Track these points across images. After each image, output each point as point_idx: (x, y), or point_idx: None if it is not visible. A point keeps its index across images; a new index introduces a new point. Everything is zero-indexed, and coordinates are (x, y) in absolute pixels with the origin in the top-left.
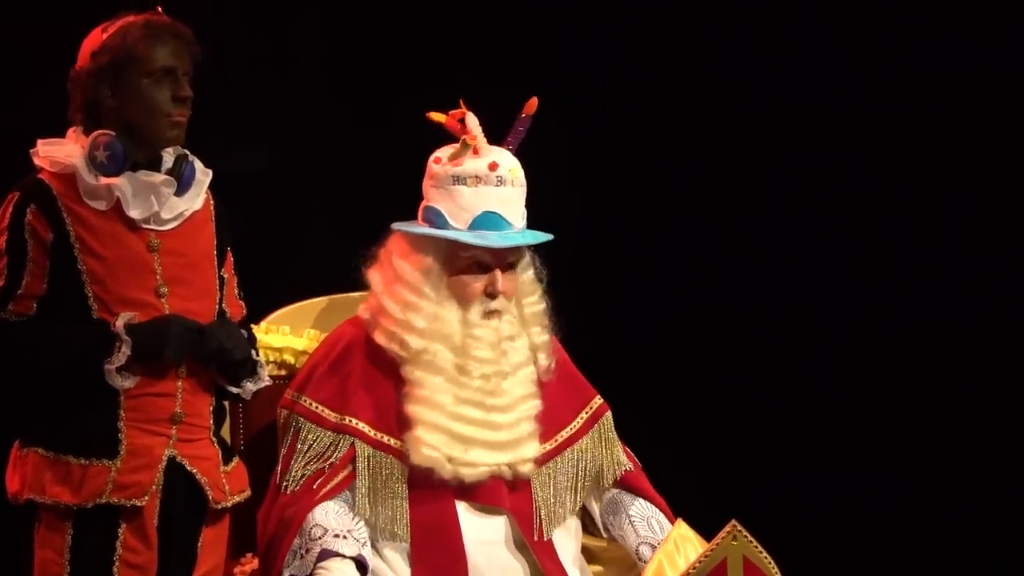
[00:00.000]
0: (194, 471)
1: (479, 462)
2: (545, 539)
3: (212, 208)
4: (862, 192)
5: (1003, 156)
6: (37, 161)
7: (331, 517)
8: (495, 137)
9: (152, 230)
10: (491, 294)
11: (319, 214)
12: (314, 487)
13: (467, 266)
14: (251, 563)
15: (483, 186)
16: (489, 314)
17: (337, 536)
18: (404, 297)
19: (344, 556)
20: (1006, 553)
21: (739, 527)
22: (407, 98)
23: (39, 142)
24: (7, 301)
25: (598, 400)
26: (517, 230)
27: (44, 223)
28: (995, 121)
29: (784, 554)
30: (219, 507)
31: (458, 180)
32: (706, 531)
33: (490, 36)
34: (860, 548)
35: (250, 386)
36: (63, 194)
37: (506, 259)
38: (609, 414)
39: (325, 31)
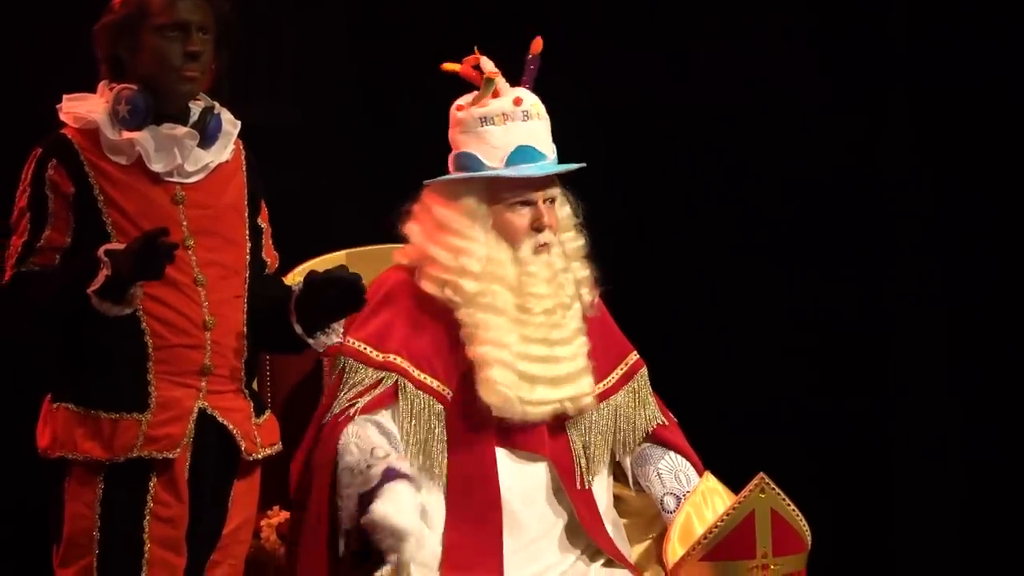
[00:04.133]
0: (225, 422)
1: (544, 399)
2: (585, 488)
3: (243, 159)
4: (883, 155)
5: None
6: (62, 116)
7: (390, 439)
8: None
9: (177, 183)
10: (539, 227)
11: (346, 168)
12: (349, 411)
13: (511, 203)
14: (279, 516)
15: (511, 122)
16: (540, 248)
17: (401, 457)
18: (453, 244)
19: (410, 478)
20: None
21: (767, 480)
22: (438, 53)
23: (64, 97)
24: (28, 255)
25: (634, 356)
26: (551, 161)
27: (66, 177)
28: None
29: (811, 507)
30: (251, 458)
31: (486, 120)
32: (734, 485)
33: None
34: (885, 502)
35: (323, 339)
36: (86, 148)
37: (547, 191)
38: (644, 370)
39: None
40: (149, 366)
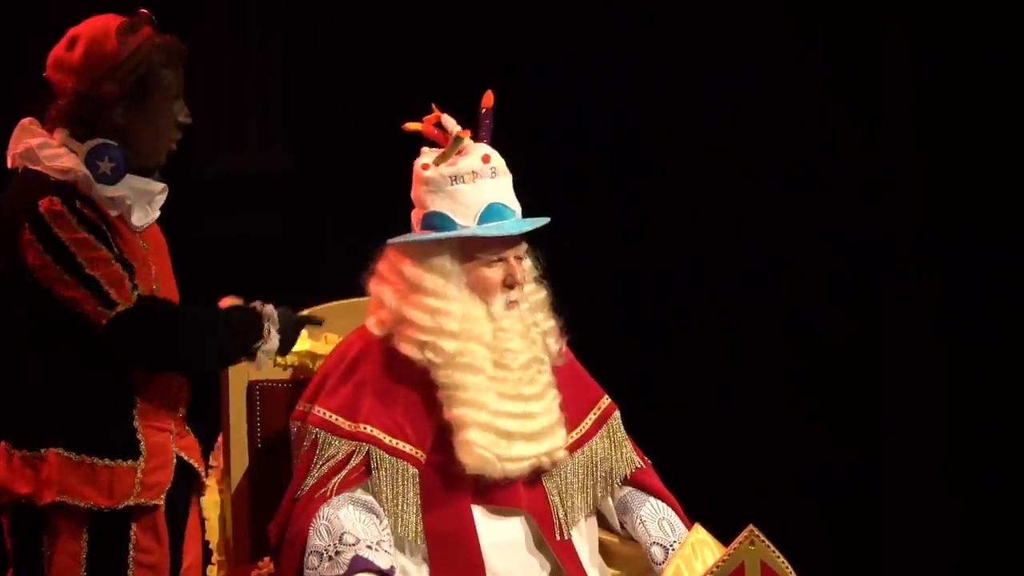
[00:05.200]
0: (191, 461)
1: (522, 455)
2: (564, 538)
3: None
4: (878, 177)
5: None
6: (32, 167)
7: (359, 526)
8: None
9: (138, 232)
10: (511, 284)
11: (340, 217)
12: (323, 490)
13: (485, 261)
14: (268, 567)
15: (481, 180)
16: (511, 304)
17: (370, 547)
18: (430, 305)
19: (378, 570)
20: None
21: (757, 532)
22: (428, 101)
23: (31, 144)
24: (131, 274)
25: (605, 400)
26: (518, 215)
27: (98, 217)
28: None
29: (800, 559)
30: (203, 493)
31: (456, 179)
32: (723, 535)
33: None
34: (875, 554)
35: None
36: (85, 196)
37: (517, 248)
38: (617, 413)
39: (345, 36)
40: (134, 413)
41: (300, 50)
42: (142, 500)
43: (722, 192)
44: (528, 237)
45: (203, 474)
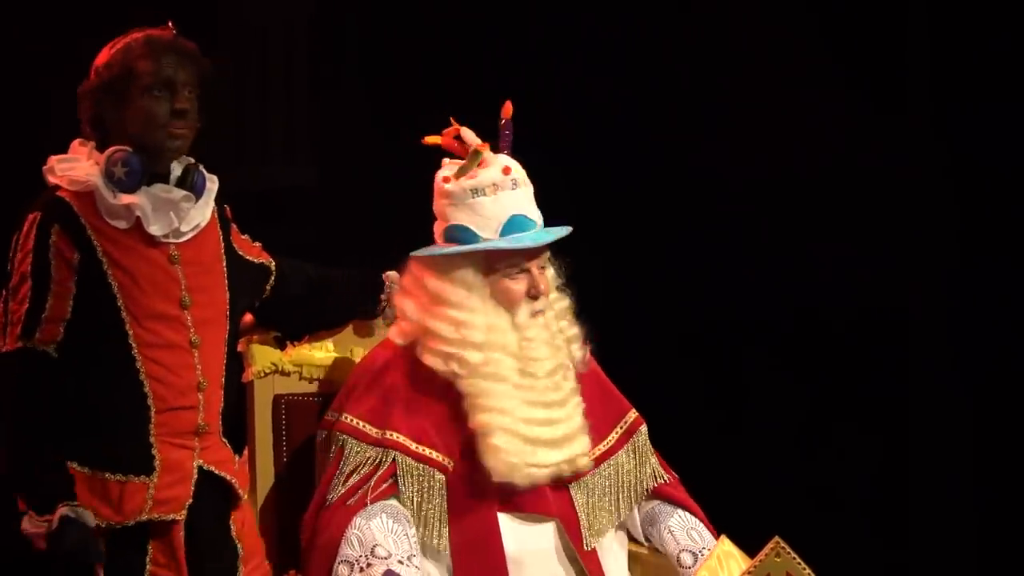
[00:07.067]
0: (224, 475)
1: (544, 462)
2: (587, 549)
3: (214, 212)
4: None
5: None
6: (52, 179)
7: (391, 539)
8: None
9: (171, 243)
10: (534, 295)
11: (364, 230)
12: (354, 499)
13: (508, 273)
14: None
15: (502, 192)
16: (536, 313)
17: (401, 562)
18: (454, 317)
19: None
20: None
21: (783, 544)
22: (451, 113)
23: (53, 160)
24: (34, 325)
25: (632, 415)
26: (540, 226)
27: (69, 243)
28: None
29: (827, 571)
30: (243, 500)
31: (477, 192)
32: (748, 548)
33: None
34: (901, 565)
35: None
36: (84, 211)
37: (539, 258)
38: (644, 428)
39: (369, 49)
40: (150, 428)
41: (324, 62)
42: (155, 515)
43: (740, 196)
44: (551, 245)
45: (237, 486)
